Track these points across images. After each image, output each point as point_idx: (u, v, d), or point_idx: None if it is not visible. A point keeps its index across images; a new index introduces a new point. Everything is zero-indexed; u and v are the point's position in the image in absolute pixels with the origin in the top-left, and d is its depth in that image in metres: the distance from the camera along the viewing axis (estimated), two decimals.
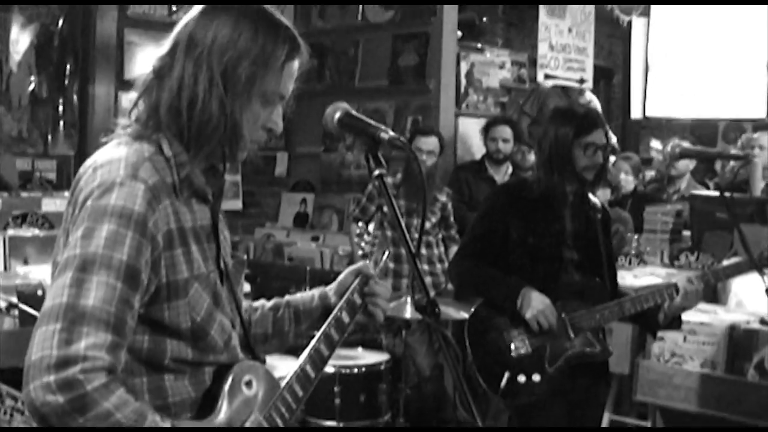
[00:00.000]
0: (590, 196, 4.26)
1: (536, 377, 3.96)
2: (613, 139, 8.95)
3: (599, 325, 4.07)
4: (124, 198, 1.98)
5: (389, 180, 6.59)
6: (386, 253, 2.88)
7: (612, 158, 8.33)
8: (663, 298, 3.98)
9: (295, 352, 2.58)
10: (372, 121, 2.28)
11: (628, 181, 8.06)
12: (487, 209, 4.33)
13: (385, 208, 6.09)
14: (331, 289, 2.66)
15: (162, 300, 2.06)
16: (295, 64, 2.21)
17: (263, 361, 2.39)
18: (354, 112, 2.31)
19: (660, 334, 4.95)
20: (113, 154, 2.08)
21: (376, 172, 2.22)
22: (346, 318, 2.56)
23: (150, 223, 2.00)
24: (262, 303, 2.64)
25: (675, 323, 4.16)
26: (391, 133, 2.23)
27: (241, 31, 2.12)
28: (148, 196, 2.01)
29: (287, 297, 2.66)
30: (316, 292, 2.68)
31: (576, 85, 8.85)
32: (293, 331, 2.61)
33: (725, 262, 4.12)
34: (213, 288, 2.18)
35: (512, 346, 4.01)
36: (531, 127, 8.37)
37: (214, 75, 2.09)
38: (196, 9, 2.19)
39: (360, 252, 2.93)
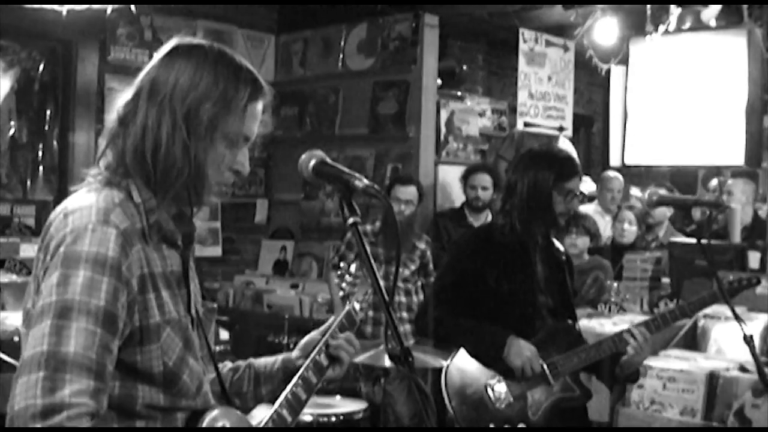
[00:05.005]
0: (553, 239, 4.25)
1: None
2: (593, 187, 9.01)
3: (578, 368, 4.03)
4: (98, 244, 1.98)
5: (368, 227, 6.60)
6: (369, 291, 2.86)
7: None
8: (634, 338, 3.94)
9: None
10: (346, 169, 2.27)
11: (630, 231, 7.90)
12: (457, 256, 4.28)
13: None
14: (296, 352, 2.67)
15: (135, 344, 2.05)
16: (259, 105, 2.22)
17: (237, 407, 2.37)
18: (329, 160, 2.30)
19: (640, 381, 4.93)
20: (83, 201, 2.08)
21: (351, 220, 2.22)
22: (313, 378, 2.58)
23: (124, 268, 2.00)
24: (224, 364, 2.63)
25: (632, 376, 4.16)
26: (366, 182, 2.23)
27: (202, 75, 2.14)
28: (121, 240, 2.01)
29: (251, 359, 2.66)
30: (280, 357, 2.68)
31: (555, 132, 8.88)
32: (252, 393, 2.59)
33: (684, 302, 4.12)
34: (185, 333, 2.18)
35: (493, 398, 3.96)
36: (508, 172, 8.37)
37: (177, 119, 2.11)
38: (158, 55, 2.22)
39: (341, 293, 2.92)
